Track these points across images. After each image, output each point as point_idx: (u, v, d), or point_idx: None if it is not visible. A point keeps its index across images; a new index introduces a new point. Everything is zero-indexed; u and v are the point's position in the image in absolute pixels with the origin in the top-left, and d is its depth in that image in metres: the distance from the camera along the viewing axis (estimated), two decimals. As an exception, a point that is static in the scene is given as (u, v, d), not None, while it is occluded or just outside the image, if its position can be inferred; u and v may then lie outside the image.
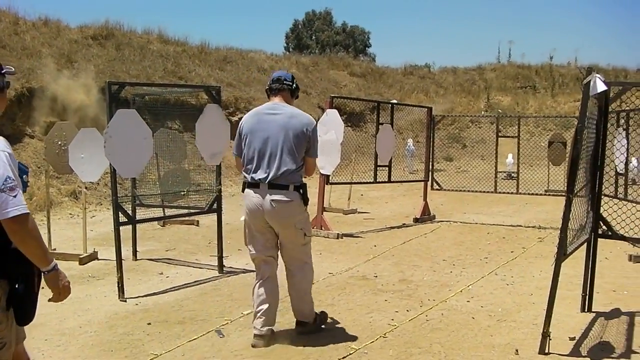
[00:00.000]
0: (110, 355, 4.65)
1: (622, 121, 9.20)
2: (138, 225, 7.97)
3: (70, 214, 12.10)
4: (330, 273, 7.23)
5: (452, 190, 13.19)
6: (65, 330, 5.19)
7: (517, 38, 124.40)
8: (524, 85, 33.18)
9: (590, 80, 4.72)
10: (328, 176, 10.03)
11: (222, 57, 24.60)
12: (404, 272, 7.36)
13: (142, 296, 6.24)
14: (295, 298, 4.92)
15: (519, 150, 12.92)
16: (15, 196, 2.52)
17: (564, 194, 4.63)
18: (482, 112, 28.28)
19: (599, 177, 5.48)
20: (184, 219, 9.83)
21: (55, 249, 8.00)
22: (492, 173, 12.58)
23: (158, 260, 8.05)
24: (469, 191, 13.26)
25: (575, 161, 4.57)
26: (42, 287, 2.76)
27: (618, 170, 8.90)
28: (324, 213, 10.22)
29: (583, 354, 4.59)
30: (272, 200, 4.60)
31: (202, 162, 7.80)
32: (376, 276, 7.13)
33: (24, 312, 2.73)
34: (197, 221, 10.56)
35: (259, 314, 4.72)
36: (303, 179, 4.80)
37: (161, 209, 8.34)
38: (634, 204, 5.86)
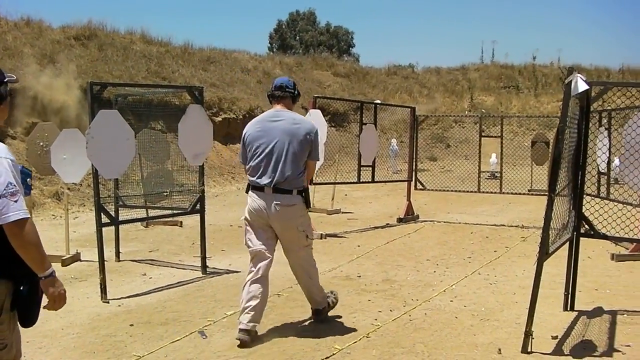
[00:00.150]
0: (93, 357, 4.61)
1: (604, 121, 9.28)
2: (121, 226, 7.94)
3: (53, 215, 12.03)
4: (314, 273, 7.21)
5: (436, 190, 13.24)
6: (47, 332, 5.14)
7: (500, 38, 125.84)
8: (507, 85, 33.43)
9: (571, 80, 4.75)
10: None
11: (205, 58, 24.56)
12: (388, 272, 7.37)
13: (125, 297, 6.20)
14: (306, 291, 5.25)
15: (502, 150, 12.96)
16: (16, 201, 2.60)
17: (547, 193, 4.65)
18: (466, 112, 28.46)
19: (581, 177, 5.52)
20: (167, 219, 9.79)
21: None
22: (475, 173, 12.63)
23: (141, 261, 8.00)
24: (452, 191, 13.33)
25: (557, 161, 4.59)
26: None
27: (600, 169, 9.00)
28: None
29: (565, 353, 4.61)
30: (276, 204, 4.80)
31: (185, 163, 7.76)
32: (360, 276, 7.13)
33: (28, 313, 2.76)
34: (181, 222, 10.53)
35: (247, 310, 4.76)
36: (304, 183, 5.00)
37: (144, 209, 8.29)
38: (616, 203, 5.91)
